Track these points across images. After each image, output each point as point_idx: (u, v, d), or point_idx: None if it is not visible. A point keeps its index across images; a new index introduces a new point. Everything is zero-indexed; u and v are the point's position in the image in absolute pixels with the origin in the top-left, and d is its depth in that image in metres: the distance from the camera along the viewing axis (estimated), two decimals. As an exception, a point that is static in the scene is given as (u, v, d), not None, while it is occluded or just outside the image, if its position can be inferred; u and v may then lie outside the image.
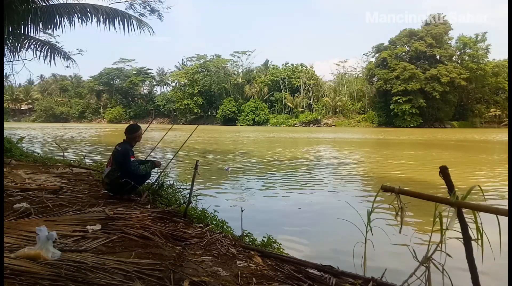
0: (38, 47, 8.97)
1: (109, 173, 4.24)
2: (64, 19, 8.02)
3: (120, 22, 8.20)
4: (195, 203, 4.37)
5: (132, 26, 8.31)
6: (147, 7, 9.75)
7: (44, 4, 7.79)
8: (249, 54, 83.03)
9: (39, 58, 8.98)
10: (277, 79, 75.96)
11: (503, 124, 62.90)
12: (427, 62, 64.47)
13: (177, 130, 37.47)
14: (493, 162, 13.78)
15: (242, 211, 3.38)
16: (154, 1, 9.79)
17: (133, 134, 4.47)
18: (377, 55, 68.66)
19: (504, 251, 1.68)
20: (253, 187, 7.88)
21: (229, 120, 74.93)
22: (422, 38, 63.25)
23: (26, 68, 10.40)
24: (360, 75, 77.70)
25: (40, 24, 7.89)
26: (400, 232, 2.00)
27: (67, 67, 10.29)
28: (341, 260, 2.84)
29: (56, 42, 10.50)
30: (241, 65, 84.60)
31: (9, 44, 8.13)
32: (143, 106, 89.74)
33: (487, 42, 64.83)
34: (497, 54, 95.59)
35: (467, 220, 1.84)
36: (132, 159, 4.21)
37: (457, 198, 1.80)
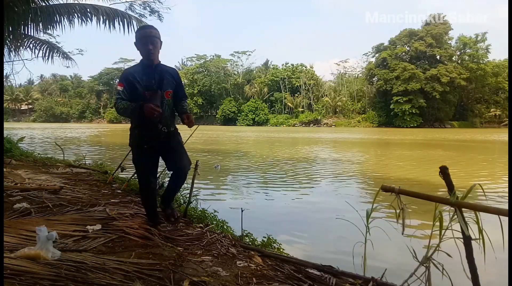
0: (38, 46, 8.97)
1: None
2: (64, 19, 8.02)
3: (120, 22, 8.20)
4: (195, 203, 4.37)
5: (132, 26, 8.32)
6: (147, 7, 9.76)
7: (44, 4, 7.79)
8: (249, 54, 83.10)
9: (37, 58, 8.99)
10: (277, 79, 75.96)
11: (503, 124, 62.90)
12: (427, 62, 64.49)
13: (177, 130, 37.40)
14: (493, 162, 13.78)
15: (242, 211, 3.39)
16: (154, 2, 9.79)
17: (137, 32, 2.90)
18: (377, 55, 68.69)
19: (504, 251, 1.67)
20: (253, 187, 7.88)
21: (229, 120, 74.92)
22: (422, 38, 63.26)
23: (26, 68, 10.42)
24: (360, 75, 77.72)
25: (40, 24, 7.89)
26: (402, 234, 1.99)
27: (67, 67, 10.30)
28: (341, 260, 2.84)
29: (56, 42, 10.49)
30: (241, 65, 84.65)
31: (9, 44, 8.13)
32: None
33: (487, 42, 64.91)
34: (497, 54, 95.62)
35: (467, 220, 1.84)
36: (119, 88, 2.80)
37: (457, 198, 1.80)
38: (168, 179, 3.33)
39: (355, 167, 11.57)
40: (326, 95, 74.36)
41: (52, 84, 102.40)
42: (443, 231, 1.89)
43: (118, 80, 2.93)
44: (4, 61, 8.54)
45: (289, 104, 73.90)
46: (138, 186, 3.16)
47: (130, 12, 8.79)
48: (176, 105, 3.05)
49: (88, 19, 8.12)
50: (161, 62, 2.94)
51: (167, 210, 3.22)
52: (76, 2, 8.56)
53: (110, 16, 8.13)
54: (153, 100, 2.69)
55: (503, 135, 34.05)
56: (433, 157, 15.13)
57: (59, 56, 9.49)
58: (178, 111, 3.05)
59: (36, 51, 8.91)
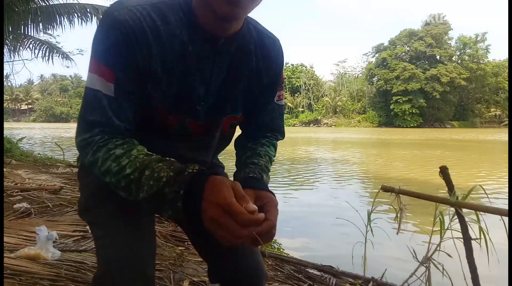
0: (38, 47, 8.98)
1: None
2: (64, 19, 8.03)
3: (120, 22, 8.22)
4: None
5: (132, 26, 8.32)
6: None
7: (44, 4, 7.79)
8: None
9: (37, 58, 9.01)
10: (277, 79, 76.02)
11: (503, 124, 62.97)
12: (427, 62, 64.58)
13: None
14: (493, 162, 13.78)
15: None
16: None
17: None
18: (377, 55, 68.80)
19: (505, 251, 1.68)
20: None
21: (229, 120, 74.91)
22: (422, 38, 63.39)
23: (26, 68, 10.46)
24: (360, 75, 77.84)
25: (40, 24, 7.90)
26: (397, 234, 2.00)
27: (67, 67, 10.31)
28: (341, 260, 2.84)
29: (56, 42, 10.50)
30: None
31: (9, 44, 8.14)
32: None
33: (487, 42, 65.06)
34: (497, 54, 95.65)
35: (467, 220, 1.84)
36: (98, 86, 0.73)
37: (457, 198, 1.80)
38: None
39: (355, 167, 11.57)
40: (326, 95, 74.44)
41: (52, 84, 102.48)
42: (443, 231, 1.89)
43: (94, 58, 0.73)
44: (4, 61, 8.55)
45: (289, 104, 73.94)
46: None
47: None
48: (243, 144, 0.99)
49: (88, 19, 8.13)
50: (243, 27, 0.82)
51: None
52: (76, 2, 8.57)
53: (110, 16, 8.14)
54: (184, 137, 0.90)
55: (503, 135, 34.04)
56: (433, 157, 15.13)
57: (59, 56, 9.50)
58: (240, 167, 0.91)
59: (36, 51, 8.92)
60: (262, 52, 0.87)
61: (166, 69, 0.76)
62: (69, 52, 10.27)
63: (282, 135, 1.03)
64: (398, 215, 1.94)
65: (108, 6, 0.74)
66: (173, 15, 0.75)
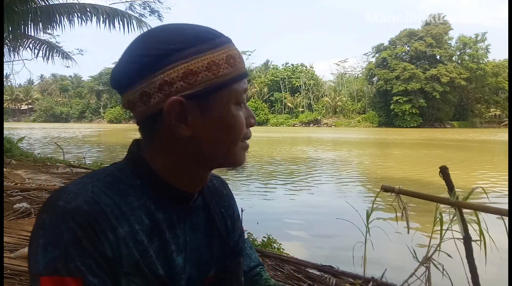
0: (38, 46, 8.98)
1: None
2: (64, 19, 8.03)
3: (120, 22, 8.21)
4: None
5: (132, 26, 8.33)
6: (147, 7, 9.78)
7: (44, 4, 7.79)
8: (249, 54, 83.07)
9: (37, 58, 9.01)
10: (277, 79, 76.00)
11: (503, 124, 62.96)
12: (427, 62, 64.55)
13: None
14: (493, 162, 13.78)
15: (242, 211, 3.38)
16: (154, 2, 9.81)
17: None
18: (377, 55, 68.76)
19: (505, 251, 1.67)
20: (253, 187, 7.88)
21: (229, 120, 74.87)
22: (422, 38, 63.35)
23: (26, 68, 10.48)
24: (360, 75, 77.86)
25: (40, 24, 7.89)
26: (408, 232, 1.99)
27: (67, 67, 10.33)
28: (341, 260, 2.84)
29: (56, 42, 10.51)
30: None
31: (9, 44, 8.14)
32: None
33: (487, 42, 65.01)
34: (497, 54, 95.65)
35: (467, 220, 1.84)
36: None
37: (457, 198, 1.80)
38: None
39: (355, 167, 11.57)
40: (326, 95, 74.44)
41: (52, 84, 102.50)
42: (443, 231, 1.89)
43: (44, 274, 0.51)
44: (4, 61, 8.55)
45: (289, 104, 73.94)
46: None
47: (130, 12, 8.79)
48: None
49: (88, 18, 8.13)
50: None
51: None
52: (75, 1, 8.57)
53: (110, 15, 8.14)
54: None
55: (503, 135, 34.04)
56: (433, 157, 15.13)
57: (59, 56, 9.51)
58: None
59: (36, 51, 8.92)
60: (218, 194, 0.82)
61: (141, 251, 0.60)
62: (69, 52, 10.30)
63: (262, 264, 0.93)
64: (404, 214, 1.94)
65: (45, 202, 0.58)
66: (128, 186, 0.63)
